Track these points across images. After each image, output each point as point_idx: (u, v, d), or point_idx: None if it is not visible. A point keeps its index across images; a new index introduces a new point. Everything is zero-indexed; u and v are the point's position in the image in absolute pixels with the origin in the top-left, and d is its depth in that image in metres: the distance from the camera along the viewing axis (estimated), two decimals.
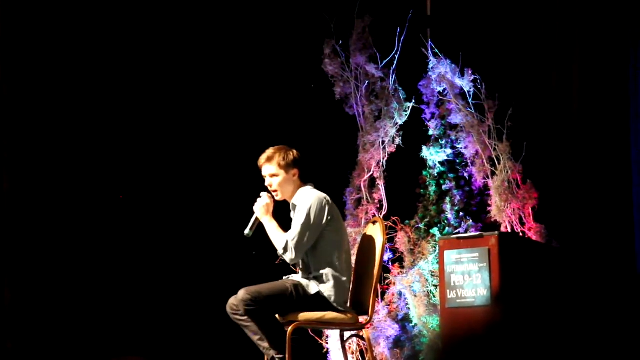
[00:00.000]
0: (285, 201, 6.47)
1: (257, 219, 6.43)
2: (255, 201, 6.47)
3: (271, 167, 6.41)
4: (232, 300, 6.28)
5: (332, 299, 6.27)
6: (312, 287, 6.29)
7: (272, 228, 6.38)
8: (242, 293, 6.18)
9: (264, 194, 6.45)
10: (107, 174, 8.19)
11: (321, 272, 6.31)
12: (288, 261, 6.36)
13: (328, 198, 6.41)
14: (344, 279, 6.33)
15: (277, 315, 6.30)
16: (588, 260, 7.24)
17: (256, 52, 8.30)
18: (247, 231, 6.44)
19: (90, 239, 8.07)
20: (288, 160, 6.40)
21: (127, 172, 8.24)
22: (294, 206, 6.42)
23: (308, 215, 6.29)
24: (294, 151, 6.44)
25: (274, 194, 6.44)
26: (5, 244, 7.93)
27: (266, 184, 6.45)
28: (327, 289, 6.28)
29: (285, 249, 6.29)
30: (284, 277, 6.51)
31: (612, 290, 7.14)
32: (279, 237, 6.33)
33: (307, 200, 6.34)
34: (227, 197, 8.24)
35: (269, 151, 6.44)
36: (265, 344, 6.21)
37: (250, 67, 8.28)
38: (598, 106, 7.46)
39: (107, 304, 8.02)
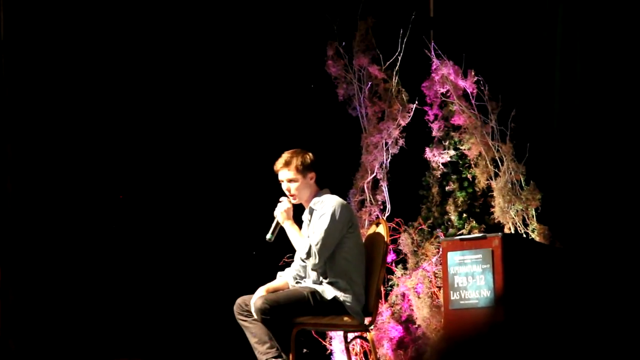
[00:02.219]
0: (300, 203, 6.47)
1: (278, 223, 6.40)
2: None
3: (289, 172, 6.36)
4: (240, 301, 6.28)
5: (348, 304, 6.27)
6: (328, 293, 6.26)
7: (293, 233, 6.35)
8: (259, 302, 6.14)
9: (284, 199, 6.41)
10: (107, 174, 8.19)
11: (337, 279, 6.29)
12: (311, 266, 6.31)
13: (348, 204, 6.42)
14: (360, 286, 6.32)
15: None
16: (592, 261, 7.22)
17: (259, 53, 8.30)
18: (268, 236, 6.40)
19: (91, 239, 8.08)
20: (305, 164, 6.36)
21: (127, 172, 8.25)
22: (312, 210, 6.39)
23: (332, 219, 6.26)
24: (310, 154, 6.41)
25: (291, 198, 6.41)
26: (9, 245, 7.95)
27: (284, 188, 6.41)
28: (343, 295, 6.27)
29: (309, 254, 6.25)
30: (279, 273, 6.50)
31: (617, 292, 7.13)
32: (301, 242, 6.30)
33: (329, 205, 6.31)
34: (226, 197, 8.25)
35: (286, 156, 6.38)
36: (263, 348, 6.20)
37: (253, 69, 8.28)
38: (601, 106, 7.46)
39: (108, 304, 8.03)
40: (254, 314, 6.18)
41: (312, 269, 6.34)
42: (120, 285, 8.08)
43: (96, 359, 7.91)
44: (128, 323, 8.03)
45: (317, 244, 6.24)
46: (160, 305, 8.11)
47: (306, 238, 6.31)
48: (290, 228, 6.36)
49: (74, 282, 8.00)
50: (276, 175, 6.45)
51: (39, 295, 7.97)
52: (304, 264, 6.45)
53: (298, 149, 6.43)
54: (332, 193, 6.46)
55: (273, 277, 6.52)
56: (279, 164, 6.38)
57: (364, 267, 6.39)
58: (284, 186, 6.41)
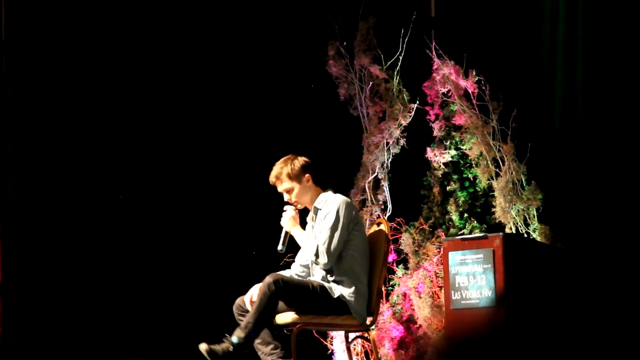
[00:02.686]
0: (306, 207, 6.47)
1: (287, 233, 6.41)
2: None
3: (283, 184, 6.39)
4: (239, 302, 6.30)
5: (352, 304, 6.26)
6: (336, 291, 6.27)
7: (302, 237, 6.37)
8: (272, 277, 6.13)
9: (288, 207, 6.43)
10: (107, 174, 8.20)
11: (343, 277, 6.29)
12: (322, 267, 6.32)
13: (352, 202, 6.42)
14: (364, 285, 6.32)
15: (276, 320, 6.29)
16: (593, 261, 7.22)
17: (260, 54, 8.30)
18: (280, 247, 6.41)
19: (91, 239, 8.08)
20: (296, 170, 6.37)
21: (127, 172, 8.25)
22: (316, 209, 6.40)
23: (337, 217, 6.27)
24: (299, 158, 6.40)
25: (294, 205, 6.42)
26: (10, 245, 7.95)
27: (285, 199, 6.43)
28: (349, 294, 6.27)
29: (317, 255, 6.26)
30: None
31: (617, 292, 7.13)
32: (310, 245, 6.31)
33: (334, 204, 6.32)
34: (226, 197, 8.24)
35: (276, 168, 6.39)
36: (267, 349, 6.20)
37: (254, 69, 8.28)
38: (603, 106, 7.45)
39: (109, 304, 8.03)
40: (259, 287, 6.15)
41: (323, 269, 6.34)
42: (121, 285, 8.08)
43: (98, 359, 7.91)
44: (129, 323, 8.03)
45: (324, 244, 6.25)
46: (160, 305, 8.11)
47: (314, 240, 6.32)
48: (297, 233, 6.38)
49: (75, 282, 8.01)
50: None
51: (40, 295, 7.97)
52: (306, 264, 6.47)
53: (288, 155, 6.43)
54: (335, 193, 6.46)
55: None
56: (272, 178, 6.40)
57: (369, 263, 6.40)
58: (285, 197, 6.43)
